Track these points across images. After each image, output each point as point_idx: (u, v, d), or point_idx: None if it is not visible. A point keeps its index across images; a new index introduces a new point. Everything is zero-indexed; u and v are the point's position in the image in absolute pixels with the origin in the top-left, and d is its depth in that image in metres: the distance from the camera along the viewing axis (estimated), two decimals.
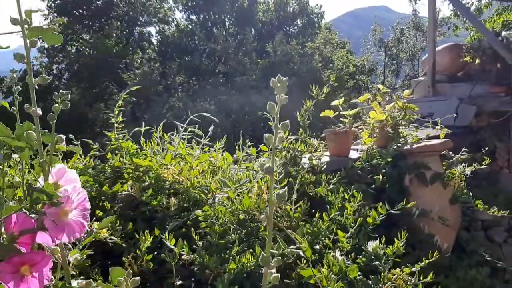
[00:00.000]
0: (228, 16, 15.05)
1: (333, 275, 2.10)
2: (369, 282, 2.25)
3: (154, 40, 16.55)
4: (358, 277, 2.21)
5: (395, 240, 2.44)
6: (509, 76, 5.28)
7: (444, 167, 4.07)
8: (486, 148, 4.09)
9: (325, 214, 2.61)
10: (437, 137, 4.27)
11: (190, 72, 12.65)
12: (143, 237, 2.13)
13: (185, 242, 2.14)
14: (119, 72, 13.90)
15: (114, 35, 15.20)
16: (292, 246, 2.13)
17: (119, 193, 2.60)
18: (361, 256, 2.48)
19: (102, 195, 2.54)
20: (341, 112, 4.19)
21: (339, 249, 2.39)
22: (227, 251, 2.25)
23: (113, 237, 2.09)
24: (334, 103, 4.15)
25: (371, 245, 2.47)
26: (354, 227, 2.62)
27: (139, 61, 14.91)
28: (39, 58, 18.41)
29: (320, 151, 3.25)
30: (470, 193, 3.89)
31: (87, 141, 2.87)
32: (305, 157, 3.67)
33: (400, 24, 18.97)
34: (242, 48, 12.20)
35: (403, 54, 19.02)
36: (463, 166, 3.86)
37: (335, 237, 2.61)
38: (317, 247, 2.55)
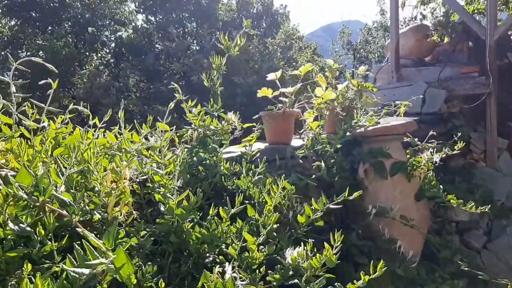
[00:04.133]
0: (187, 15, 14.23)
1: None
2: None
3: (109, 42, 15.58)
4: None
5: (325, 245, 1.58)
6: (483, 55, 4.56)
7: (408, 156, 3.27)
8: (459, 135, 3.28)
9: (223, 209, 1.74)
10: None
11: (144, 73, 11.72)
12: None
13: None
14: (69, 76, 12.86)
15: (65, 37, 14.18)
16: None
17: None
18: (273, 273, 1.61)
19: None
20: (280, 90, 3.37)
21: (233, 262, 1.52)
22: None
23: None
24: (270, 77, 3.32)
25: (290, 254, 1.61)
26: (268, 228, 1.76)
27: (93, 64, 13.93)
28: None
29: (236, 125, 2.38)
30: (441, 186, 3.08)
31: None
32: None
33: (367, 25, 18.49)
34: (199, 46, 11.38)
35: (371, 56, 18.38)
36: (431, 153, 3.05)
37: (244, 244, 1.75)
38: (210, 259, 1.69)
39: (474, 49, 5.21)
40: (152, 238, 1.61)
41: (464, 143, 3.02)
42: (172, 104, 2.19)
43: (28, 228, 1.10)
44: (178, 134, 2.46)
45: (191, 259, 1.68)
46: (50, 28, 16.14)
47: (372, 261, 2.98)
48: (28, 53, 16.49)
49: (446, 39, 5.29)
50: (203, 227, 1.70)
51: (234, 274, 1.36)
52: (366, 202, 3.05)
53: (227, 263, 1.39)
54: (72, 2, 16.27)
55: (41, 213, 1.09)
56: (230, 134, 2.40)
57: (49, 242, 1.24)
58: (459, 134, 3.40)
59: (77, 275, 1.06)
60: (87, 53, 14.38)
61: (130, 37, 14.03)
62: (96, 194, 1.49)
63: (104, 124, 2.13)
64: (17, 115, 1.73)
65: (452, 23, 5.10)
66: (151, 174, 1.88)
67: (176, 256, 1.70)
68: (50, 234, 1.17)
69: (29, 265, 1.09)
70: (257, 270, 1.60)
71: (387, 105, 3.93)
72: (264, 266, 1.67)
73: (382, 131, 3.16)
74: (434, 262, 3.38)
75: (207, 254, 1.69)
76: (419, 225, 3.04)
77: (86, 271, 1.04)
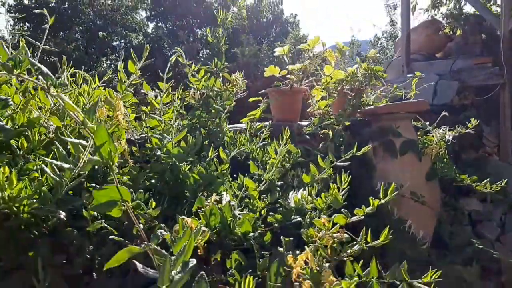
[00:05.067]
0: (198, 21, 14.30)
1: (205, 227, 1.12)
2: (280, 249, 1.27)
3: (119, 48, 15.67)
4: (250, 233, 1.24)
5: (330, 185, 1.47)
6: (496, 47, 4.45)
7: (419, 136, 3.15)
8: (472, 125, 3.14)
9: (223, 150, 1.64)
10: None
11: (153, 77, 11.74)
12: None
13: None
14: None
15: (76, 41, 14.28)
16: None
17: None
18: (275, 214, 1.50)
19: None
20: (287, 67, 3.28)
21: (230, 195, 1.41)
22: None
23: None
24: (277, 51, 3.23)
25: (294, 197, 1.50)
26: (270, 174, 1.65)
27: (102, 68, 13.98)
28: None
29: (240, 86, 2.29)
30: (454, 166, 2.95)
31: None
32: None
33: (377, 36, 18.44)
34: (209, 52, 11.36)
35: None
36: (443, 131, 2.93)
37: (245, 194, 1.64)
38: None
39: (488, 41, 5.10)
40: (147, 176, 1.51)
41: (477, 139, 2.91)
42: (173, 58, 2.11)
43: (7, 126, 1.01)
44: (179, 96, 2.38)
45: (187, 203, 1.58)
46: (61, 33, 16.29)
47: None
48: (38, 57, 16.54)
49: (458, 32, 5.19)
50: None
51: (232, 202, 1.25)
52: (374, 182, 2.93)
53: (224, 192, 1.28)
54: (84, 9, 16.45)
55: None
56: (234, 95, 2.31)
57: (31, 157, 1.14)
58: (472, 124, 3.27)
59: (56, 174, 0.96)
60: (97, 57, 14.44)
61: (140, 43, 14.09)
62: None
63: None
64: None
65: (465, 14, 5.01)
66: (149, 134, 1.79)
67: (172, 202, 1.60)
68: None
69: (6, 169, 1.00)
70: (258, 212, 1.49)
71: (398, 99, 3.82)
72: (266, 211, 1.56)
73: (392, 109, 3.05)
74: (446, 249, 3.23)
75: (205, 199, 1.59)
76: (430, 205, 2.90)
77: (66, 165, 0.95)
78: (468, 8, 5.31)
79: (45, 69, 0.84)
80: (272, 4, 15.78)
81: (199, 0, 14.40)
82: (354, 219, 1.36)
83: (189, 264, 0.85)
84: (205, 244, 1.11)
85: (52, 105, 1.41)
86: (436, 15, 8.73)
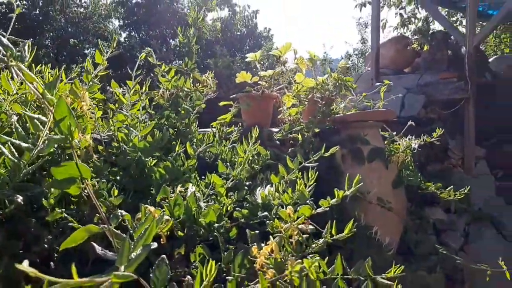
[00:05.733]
0: (172, 31, 14.26)
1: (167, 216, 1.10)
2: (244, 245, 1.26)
3: (90, 56, 15.47)
4: (215, 224, 1.22)
5: (297, 181, 1.47)
6: (461, 64, 4.59)
7: (386, 144, 3.20)
8: (438, 132, 3.23)
9: (190, 145, 1.62)
10: None
11: (124, 84, 11.60)
12: None
13: None
14: None
15: (46, 48, 14.00)
16: None
17: None
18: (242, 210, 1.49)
19: None
20: (259, 73, 3.30)
21: (197, 190, 1.40)
22: None
23: None
24: (249, 57, 3.25)
25: (260, 192, 1.49)
26: (238, 170, 1.64)
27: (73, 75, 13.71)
28: None
29: (210, 87, 2.28)
30: (419, 174, 3.01)
31: None
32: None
33: (348, 53, 18.80)
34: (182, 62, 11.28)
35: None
36: (409, 139, 3.00)
37: (212, 191, 1.62)
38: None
39: (453, 57, 5.27)
40: (112, 170, 1.48)
41: (442, 152, 2.98)
42: (143, 55, 2.09)
43: None
44: (148, 95, 2.35)
45: (152, 199, 1.55)
46: (32, 39, 15.94)
47: (346, 243, 2.86)
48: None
49: (426, 47, 5.34)
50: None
51: (198, 194, 1.24)
52: (342, 187, 2.95)
53: (190, 184, 1.27)
54: (56, 15, 16.18)
55: None
56: (204, 96, 2.30)
57: None
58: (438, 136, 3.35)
59: (14, 156, 0.94)
60: (67, 65, 14.19)
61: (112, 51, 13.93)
62: None
63: None
64: None
65: (432, 31, 5.16)
66: (116, 130, 1.76)
67: (137, 197, 1.57)
68: None
69: None
70: (225, 208, 1.48)
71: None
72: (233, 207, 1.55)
73: (361, 117, 3.10)
74: (411, 257, 3.27)
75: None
76: (397, 211, 2.94)
77: (25, 144, 0.92)
78: (436, 26, 5.49)
79: (5, 40, 0.81)
80: (247, 17, 15.91)
81: (173, 10, 14.40)
82: (319, 210, 1.36)
83: (149, 247, 0.83)
84: (168, 233, 1.08)
85: (15, 92, 1.37)
86: (405, 32, 8.98)
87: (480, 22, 6.74)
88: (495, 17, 4.94)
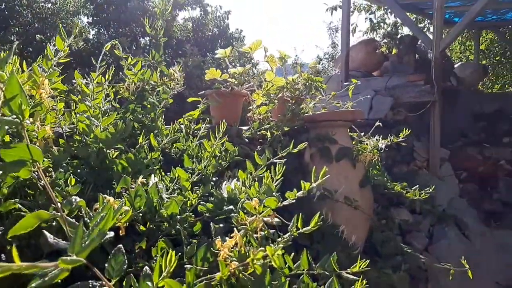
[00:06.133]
0: (142, 30, 14.06)
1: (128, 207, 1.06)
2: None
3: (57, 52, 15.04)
4: (177, 216, 1.18)
5: (265, 175, 1.45)
6: (428, 67, 4.70)
7: (353, 143, 3.22)
8: (405, 132, 3.26)
9: (154, 137, 1.58)
10: None
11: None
12: None
13: None
14: None
15: (11, 43, 13.58)
16: None
17: None
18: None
19: None
20: (229, 71, 3.27)
21: (160, 181, 1.35)
22: None
23: None
24: (218, 53, 3.22)
25: (226, 187, 1.46)
26: (204, 163, 1.60)
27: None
28: None
29: (177, 82, 2.23)
30: (385, 173, 3.04)
31: None
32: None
33: (318, 56, 18.99)
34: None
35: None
36: (377, 140, 3.02)
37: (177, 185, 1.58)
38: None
39: (420, 60, 5.37)
40: (71, 163, 1.42)
41: (408, 154, 3.02)
42: (108, 45, 2.03)
43: None
44: (113, 88, 2.28)
45: (113, 191, 1.50)
46: None
47: (313, 243, 2.84)
48: None
49: (394, 51, 5.44)
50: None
51: (160, 185, 1.19)
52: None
53: (152, 175, 1.22)
54: (22, 10, 15.73)
55: None
56: (172, 90, 2.25)
57: None
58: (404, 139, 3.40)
59: None
60: (33, 60, 13.79)
61: (80, 48, 13.63)
62: None
63: None
64: None
65: (400, 35, 5.26)
66: (78, 123, 1.69)
67: (98, 190, 1.51)
68: None
69: None
70: (189, 202, 1.44)
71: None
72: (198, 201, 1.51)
73: (330, 116, 3.11)
74: (377, 257, 3.30)
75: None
76: (363, 210, 2.96)
77: None
78: (405, 31, 5.59)
79: None
80: (219, 18, 15.85)
81: (144, 8, 14.20)
82: (285, 202, 1.34)
83: (105, 234, 0.79)
84: (127, 224, 1.04)
85: None
86: (375, 37, 9.13)
87: (447, 29, 6.92)
88: (459, 23, 5.07)
